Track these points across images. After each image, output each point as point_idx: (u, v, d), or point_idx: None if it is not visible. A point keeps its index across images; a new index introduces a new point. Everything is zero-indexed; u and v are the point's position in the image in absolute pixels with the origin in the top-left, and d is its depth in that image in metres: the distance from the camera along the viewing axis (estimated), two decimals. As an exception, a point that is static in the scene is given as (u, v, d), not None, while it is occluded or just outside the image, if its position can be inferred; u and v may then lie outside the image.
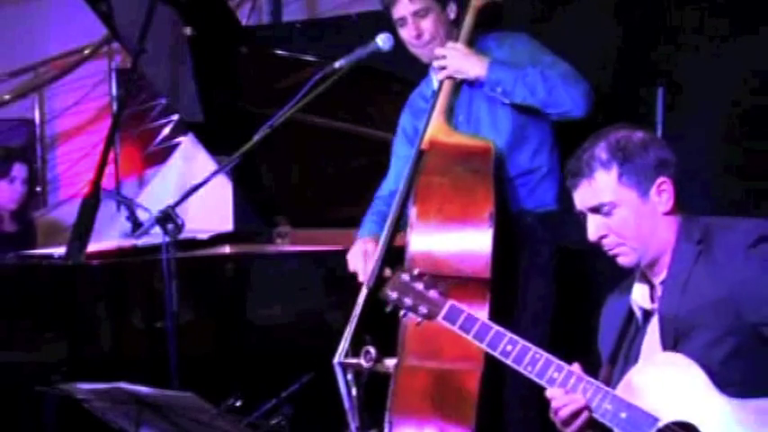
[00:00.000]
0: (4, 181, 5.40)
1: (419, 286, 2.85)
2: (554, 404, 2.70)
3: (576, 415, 2.67)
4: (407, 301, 2.85)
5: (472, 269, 3.36)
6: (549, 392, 2.70)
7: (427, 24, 3.69)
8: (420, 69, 3.91)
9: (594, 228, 2.75)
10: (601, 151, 2.73)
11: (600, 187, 2.72)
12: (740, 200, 4.15)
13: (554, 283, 3.66)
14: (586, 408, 2.66)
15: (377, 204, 3.90)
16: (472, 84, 3.69)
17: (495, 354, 2.76)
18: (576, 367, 2.70)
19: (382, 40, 3.66)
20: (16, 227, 5.45)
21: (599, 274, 4.13)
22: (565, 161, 3.68)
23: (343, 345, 3.42)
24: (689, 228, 2.74)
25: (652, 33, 4.33)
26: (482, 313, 3.18)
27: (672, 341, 2.68)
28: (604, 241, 2.75)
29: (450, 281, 3.00)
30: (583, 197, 2.75)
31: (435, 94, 3.69)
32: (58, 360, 4.11)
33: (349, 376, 3.41)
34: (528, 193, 3.68)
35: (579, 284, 4.10)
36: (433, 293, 2.84)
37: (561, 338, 3.60)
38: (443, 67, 3.67)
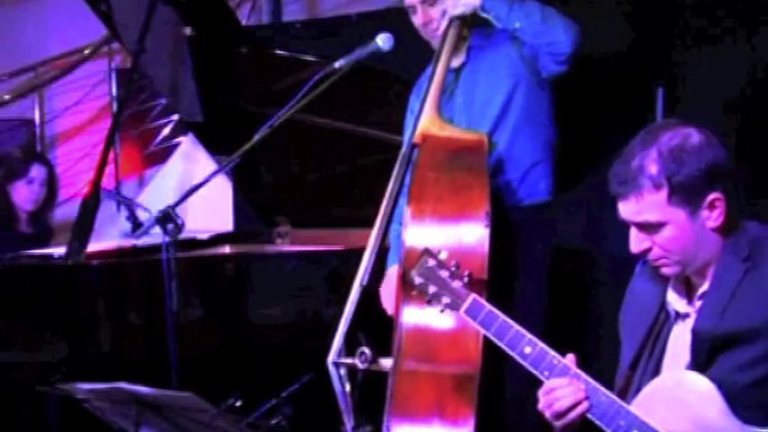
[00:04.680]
0: (23, 182, 5.40)
1: (444, 274, 2.79)
2: (555, 395, 2.65)
3: (573, 407, 2.64)
4: (431, 288, 2.79)
5: (469, 270, 3.32)
6: (550, 383, 2.66)
7: (436, 13, 3.71)
8: (419, 69, 3.91)
9: (638, 242, 2.65)
10: (651, 163, 2.58)
11: (648, 206, 2.59)
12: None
13: (548, 282, 3.64)
14: (585, 399, 2.63)
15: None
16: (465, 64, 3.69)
17: (513, 354, 2.72)
18: (591, 381, 2.66)
19: (382, 40, 3.65)
20: (33, 228, 5.44)
21: (596, 273, 4.13)
22: (560, 152, 3.74)
23: (337, 344, 3.41)
24: (736, 240, 2.63)
25: (652, 33, 4.33)
26: None
27: (705, 357, 2.61)
28: (648, 253, 2.66)
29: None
30: (629, 210, 2.63)
31: (426, 91, 3.63)
32: (58, 360, 4.11)
33: (343, 373, 3.39)
34: (519, 183, 3.66)
35: (575, 285, 4.11)
36: (457, 284, 2.78)
37: (558, 340, 3.60)
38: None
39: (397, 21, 3.89)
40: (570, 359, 2.70)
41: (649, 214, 2.60)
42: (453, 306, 2.79)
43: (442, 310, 2.82)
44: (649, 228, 2.61)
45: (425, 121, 3.57)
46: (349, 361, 3.34)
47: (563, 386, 2.65)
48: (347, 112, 4.76)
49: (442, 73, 3.64)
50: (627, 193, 2.60)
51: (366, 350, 3.29)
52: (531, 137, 3.69)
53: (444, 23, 3.68)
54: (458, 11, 3.67)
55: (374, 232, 3.51)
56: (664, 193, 2.58)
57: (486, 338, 2.87)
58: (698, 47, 4.26)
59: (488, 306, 2.77)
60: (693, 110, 4.21)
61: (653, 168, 2.58)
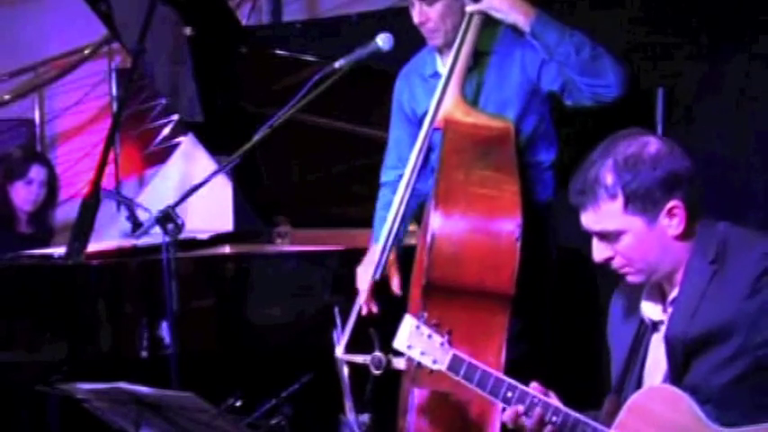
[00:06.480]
0: (22, 182, 5.40)
1: (425, 334, 2.81)
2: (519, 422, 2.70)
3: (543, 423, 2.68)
4: (416, 351, 2.81)
5: (496, 283, 3.22)
6: (507, 416, 2.71)
7: (433, 13, 3.56)
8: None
9: (599, 251, 2.66)
10: (607, 173, 2.59)
11: (604, 215, 2.60)
12: (740, 200, 4.15)
13: (548, 282, 3.63)
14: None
15: (385, 195, 3.80)
16: (481, 67, 3.58)
17: (497, 401, 2.75)
18: (573, 413, 2.68)
19: (382, 40, 3.64)
20: (33, 228, 5.44)
21: (596, 274, 4.13)
22: (561, 153, 3.74)
23: (345, 336, 3.38)
24: (704, 243, 2.62)
25: (652, 34, 4.34)
26: (500, 332, 3.17)
27: (681, 363, 2.61)
28: (611, 262, 2.66)
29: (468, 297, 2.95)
30: (588, 220, 2.64)
31: (447, 76, 3.49)
32: (58, 360, 4.11)
33: (346, 371, 3.38)
34: (530, 185, 3.59)
35: (575, 285, 4.11)
36: (436, 343, 2.80)
37: (559, 340, 3.60)
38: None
39: (397, 21, 3.89)
40: (534, 387, 2.73)
41: (607, 223, 2.61)
42: (437, 364, 2.80)
43: (430, 372, 2.83)
44: (609, 237, 2.63)
45: (449, 103, 3.45)
46: (360, 360, 3.31)
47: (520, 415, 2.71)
48: (347, 112, 4.76)
49: (466, 59, 3.50)
50: (585, 204, 2.63)
51: (380, 355, 3.26)
52: (539, 141, 3.65)
53: (473, 11, 3.46)
54: (498, 15, 3.45)
55: (388, 222, 3.50)
56: (619, 202, 2.59)
57: None
58: (698, 48, 4.26)
59: (467, 359, 2.78)
60: (693, 111, 4.22)
61: (608, 178, 2.59)
